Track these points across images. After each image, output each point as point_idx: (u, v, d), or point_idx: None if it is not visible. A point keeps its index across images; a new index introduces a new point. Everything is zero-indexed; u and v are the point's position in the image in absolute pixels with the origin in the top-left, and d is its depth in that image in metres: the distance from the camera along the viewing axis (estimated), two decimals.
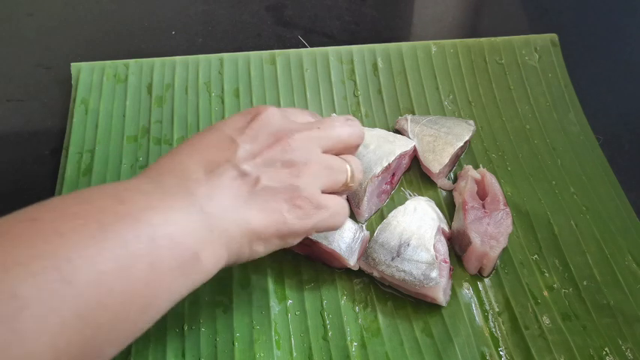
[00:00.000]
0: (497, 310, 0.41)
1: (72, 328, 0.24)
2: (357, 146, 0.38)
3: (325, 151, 0.35)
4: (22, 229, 0.25)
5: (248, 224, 0.31)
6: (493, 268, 0.43)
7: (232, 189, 0.31)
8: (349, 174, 0.36)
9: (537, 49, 0.57)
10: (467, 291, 0.42)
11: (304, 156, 0.33)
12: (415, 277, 0.39)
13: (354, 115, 0.52)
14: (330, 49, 0.56)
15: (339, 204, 0.35)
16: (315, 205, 0.33)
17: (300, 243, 0.41)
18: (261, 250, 0.33)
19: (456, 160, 0.49)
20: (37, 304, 0.23)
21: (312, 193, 0.33)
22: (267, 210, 0.32)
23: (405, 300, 0.41)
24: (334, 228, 0.36)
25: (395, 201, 0.47)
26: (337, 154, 0.36)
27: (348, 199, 0.45)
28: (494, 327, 0.40)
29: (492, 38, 0.57)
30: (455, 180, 0.48)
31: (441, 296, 0.39)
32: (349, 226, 0.41)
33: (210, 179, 0.31)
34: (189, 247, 0.29)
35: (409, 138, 0.48)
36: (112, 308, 0.25)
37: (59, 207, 0.27)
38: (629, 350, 0.39)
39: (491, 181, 0.45)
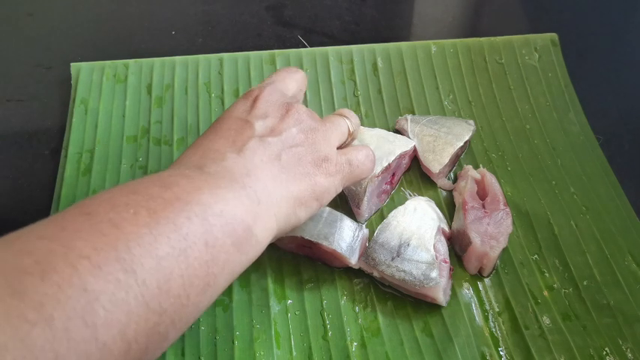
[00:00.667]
0: (497, 310, 0.41)
1: (139, 317, 0.24)
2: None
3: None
4: (79, 224, 0.25)
5: (289, 191, 0.33)
6: (493, 268, 0.43)
7: (264, 162, 0.33)
8: (349, 123, 0.39)
9: (537, 48, 0.57)
10: (467, 291, 0.42)
11: (312, 122, 0.36)
12: (415, 277, 0.39)
13: None
14: (330, 49, 0.56)
15: (359, 154, 0.38)
16: (336, 161, 0.36)
17: (300, 244, 0.41)
18: (304, 214, 0.35)
19: (456, 160, 0.49)
20: (105, 295, 0.23)
21: (330, 151, 0.36)
22: (299, 175, 0.34)
23: (404, 300, 0.41)
24: (361, 177, 0.39)
25: (395, 201, 0.47)
26: None
27: (348, 199, 0.45)
28: (495, 327, 0.40)
29: (492, 38, 0.57)
30: (455, 180, 0.48)
31: (441, 296, 0.39)
32: (348, 225, 0.41)
33: (242, 156, 0.32)
34: (242, 222, 0.30)
35: (409, 138, 0.48)
36: (174, 292, 0.26)
37: (110, 199, 0.27)
38: (629, 350, 0.39)
39: (491, 181, 0.45)
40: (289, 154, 0.34)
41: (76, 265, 0.23)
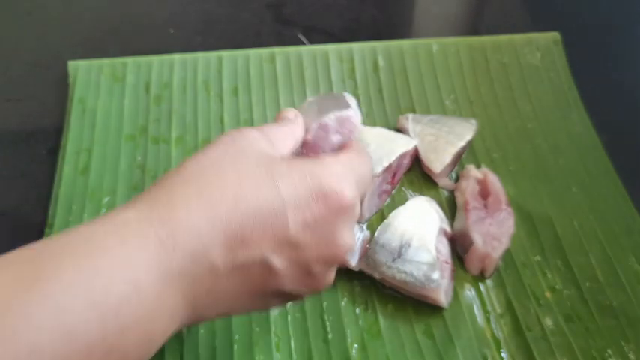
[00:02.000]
0: (499, 311, 0.41)
1: None
2: None
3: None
4: None
5: (227, 313, 0.29)
6: (495, 269, 0.42)
7: (243, 284, 0.27)
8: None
9: (539, 47, 0.56)
10: (469, 292, 0.42)
11: (327, 275, 0.30)
12: (416, 279, 0.39)
13: None
14: (330, 48, 0.56)
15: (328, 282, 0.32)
16: (292, 298, 0.31)
17: None
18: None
19: (458, 160, 0.48)
20: None
21: (302, 295, 0.30)
22: (259, 302, 0.29)
23: (406, 301, 0.41)
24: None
25: (396, 201, 0.46)
26: None
27: None
28: (496, 328, 0.40)
29: (494, 37, 0.57)
30: (456, 180, 0.47)
31: (443, 297, 0.39)
32: None
33: (226, 274, 0.26)
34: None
35: (410, 137, 0.47)
36: None
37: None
38: (631, 352, 0.39)
39: (493, 181, 0.44)
40: (281, 288, 0.28)
41: None
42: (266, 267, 0.27)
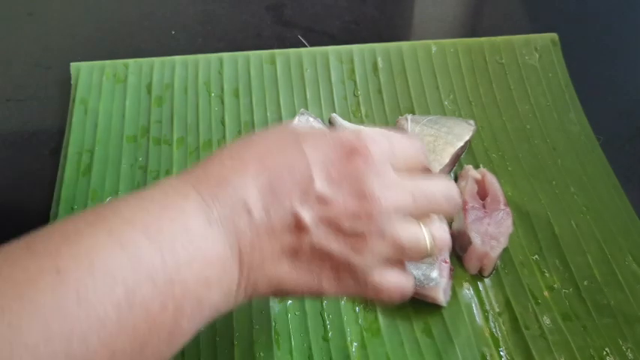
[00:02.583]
0: (497, 310, 0.41)
1: None
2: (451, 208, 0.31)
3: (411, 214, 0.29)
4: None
5: (279, 284, 0.28)
6: (493, 269, 0.43)
7: (279, 239, 0.27)
8: (428, 246, 0.29)
9: (537, 48, 0.57)
10: (467, 291, 0.42)
11: (378, 231, 0.28)
12: (415, 278, 0.39)
13: (353, 115, 0.52)
14: (330, 49, 0.56)
15: (393, 286, 0.29)
16: (363, 283, 0.29)
17: None
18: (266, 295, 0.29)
19: (457, 160, 0.48)
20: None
21: (366, 271, 0.28)
22: (305, 270, 0.28)
23: (405, 300, 0.41)
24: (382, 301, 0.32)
25: None
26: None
27: None
28: (495, 327, 0.40)
29: (492, 38, 0.57)
30: (455, 180, 0.47)
31: (442, 296, 0.39)
32: None
33: (261, 219, 0.27)
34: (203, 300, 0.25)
35: None
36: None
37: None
38: (629, 350, 0.39)
39: (491, 181, 0.45)
40: (315, 246, 0.27)
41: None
42: (297, 220, 0.27)
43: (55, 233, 0.24)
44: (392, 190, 0.28)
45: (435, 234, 0.30)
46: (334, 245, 0.27)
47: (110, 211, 0.25)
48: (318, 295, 0.29)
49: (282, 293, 0.28)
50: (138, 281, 0.23)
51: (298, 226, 0.27)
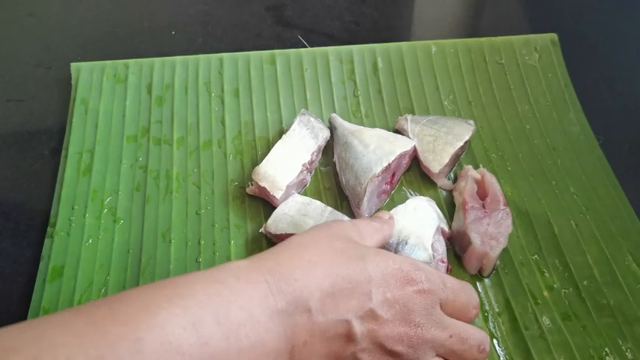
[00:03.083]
0: (497, 310, 0.41)
1: None
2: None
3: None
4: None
5: None
6: (493, 269, 0.43)
7: (329, 343, 0.30)
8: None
9: (537, 48, 0.57)
10: None
11: (414, 357, 0.31)
12: None
13: (353, 115, 0.52)
14: (330, 49, 0.56)
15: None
16: None
17: None
18: None
19: (456, 160, 0.49)
20: None
21: None
22: None
23: None
24: None
25: (395, 201, 0.47)
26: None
27: (348, 199, 0.45)
28: (494, 327, 0.40)
29: (492, 38, 0.57)
30: (455, 180, 0.48)
31: None
32: None
33: (317, 321, 0.29)
34: None
35: (409, 138, 0.48)
36: None
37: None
38: (629, 350, 0.39)
39: (491, 181, 0.45)
40: None
41: None
42: (348, 331, 0.30)
43: (135, 302, 0.27)
44: (434, 325, 0.32)
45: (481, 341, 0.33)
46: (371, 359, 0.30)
47: (188, 289, 0.28)
48: None
49: None
50: None
51: (348, 336, 0.30)
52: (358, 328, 0.30)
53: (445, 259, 0.41)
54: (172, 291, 0.27)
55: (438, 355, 0.32)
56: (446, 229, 0.44)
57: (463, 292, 0.34)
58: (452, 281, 0.34)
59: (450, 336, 0.32)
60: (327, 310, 0.29)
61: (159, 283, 0.28)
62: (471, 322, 0.35)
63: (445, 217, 0.45)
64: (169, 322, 0.26)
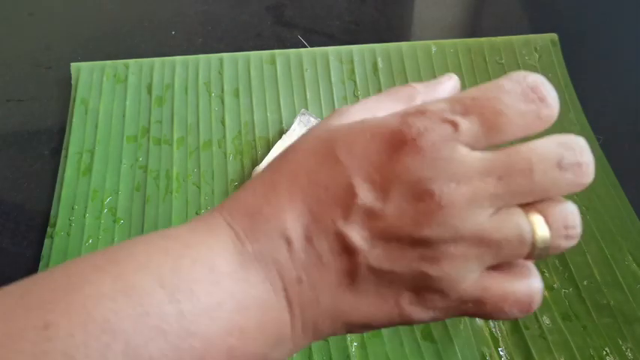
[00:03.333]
0: None
1: None
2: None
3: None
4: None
5: (347, 318, 0.23)
6: None
7: (330, 268, 0.22)
8: (538, 237, 0.21)
9: (537, 48, 0.57)
10: None
11: (450, 233, 0.21)
12: None
13: None
14: (330, 49, 0.56)
15: (501, 295, 0.22)
16: (456, 298, 0.22)
17: None
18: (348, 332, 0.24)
19: None
20: None
21: (453, 283, 0.22)
22: (374, 297, 0.23)
23: None
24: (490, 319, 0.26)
25: None
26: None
27: None
28: (495, 327, 0.40)
29: (492, 38, 0.57)
30: None
31: None
32: None
33: (303, 248, 0.22)
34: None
35: None
36: None
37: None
38: (629, 350, 0.39)
39: None
40: (373, 268, 0.22)
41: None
42: (343, 243, 0.22)
43: (56, 278, 0.21)
44: (460, 179, 0.21)
45: (550, 218, 0.21)
46: (398, 263, 0.22)
47: (125, 252, 0.22)
48: (405, 324, 0.23)
49: (358, 329, 0.23)
50: (143, 336, 0.20)
51: (347, 249, 0.22)
52: (354, 234, 0.22)
53: None
54: (105, 258, 0.22)
55: (504, 211, 0.21)
56: None
57: (488, 93, 0.23)
58: (463, 95, 0.23)
59: (499, 177, 0.21)
60: (310, 232, 0.22)
61: (94, 252, 0.22)
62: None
63: None
64: (94, 296, 0.20)
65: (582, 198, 0.47)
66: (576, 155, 0.21)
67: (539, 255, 0.21)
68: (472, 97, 0.22)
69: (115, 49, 0.58)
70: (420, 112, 0.22)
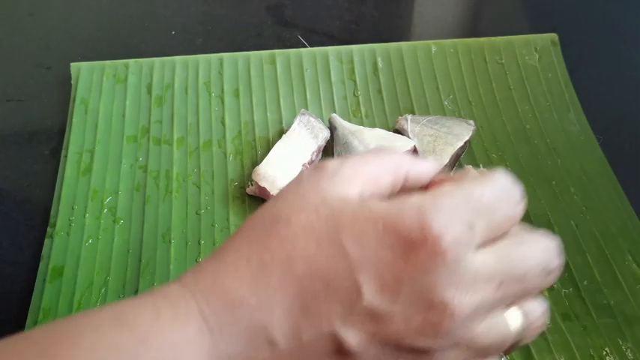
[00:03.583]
0: None
1: None
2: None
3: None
4: None
5: None
6: None
7: None
8: (518, 335, 0.22)
9: (537, 48, 0.57)
10: None
11: (449, 344, 0.20)
12: None
13: (353, 115, 0.52)
14: (330, 49, 0.56)
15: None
16: None
17: None
18: None
19: (456, 160, 0.49)
20: None
21: None
22: None
23: None
24: None
25: None
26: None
27: None
28: None
29: (492, 38, 0.57)
30: None
31: None
32: None
33: (289, 349, 0.20)
34: None
35: (409, 138, 0.48)
36: None
37: None
38: (629, 350, 0.39)
39: None
40: None
41: None
42: (338, 345, 0.20)
43: None
44: (469, 288, 0.20)
45: (529, 316, 0.22)
46: None
47: (66, 345, 0.19)
48: None
49: None
50: None
51: (341, 352, 0.20)
52: (352, 337, 0.20)
53: None
54: (39, 350, 0.19)
55: (491, 316, 0.21)
56: None
57: (502, 200, 0.23)
58: (477, 194, 0.21)
59: (499, 283, 0.21)
60: (299, 330, 0.20)
61: (29, 333, 0.19)
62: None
63: None
64: None
65: (582, 198, 0.47)
66: (557, 259, 0.23)
67: (511, 349, 0.23)
68: (482, 194, 0.22)
69: (115, 49, 0.58)
70: (438, 209, 0.20)
